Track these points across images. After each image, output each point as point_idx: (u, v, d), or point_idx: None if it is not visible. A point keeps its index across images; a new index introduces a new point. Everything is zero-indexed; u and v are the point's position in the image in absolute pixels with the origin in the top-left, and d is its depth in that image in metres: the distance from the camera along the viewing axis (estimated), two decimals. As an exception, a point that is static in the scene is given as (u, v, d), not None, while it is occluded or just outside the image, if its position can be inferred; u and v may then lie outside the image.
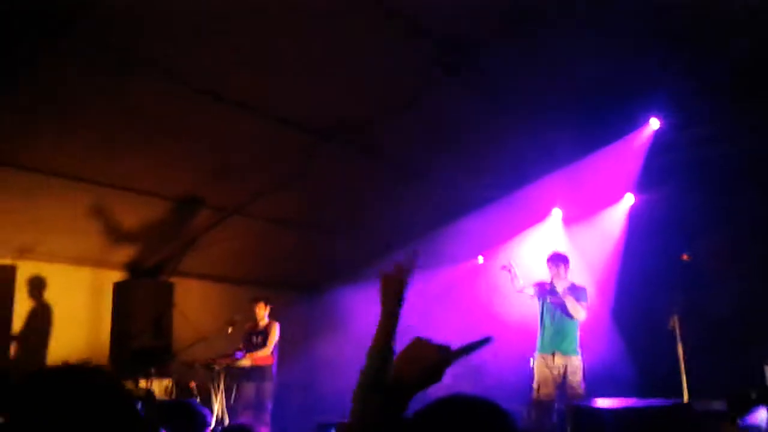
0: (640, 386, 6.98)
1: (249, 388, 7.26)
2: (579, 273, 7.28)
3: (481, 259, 9.13)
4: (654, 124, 7.39)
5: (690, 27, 6.10)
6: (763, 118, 7.11)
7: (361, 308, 8.42)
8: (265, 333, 7.42)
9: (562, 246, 8.43)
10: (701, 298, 6.78)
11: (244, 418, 7.16)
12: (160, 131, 6.14)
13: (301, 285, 9.53)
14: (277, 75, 5.77)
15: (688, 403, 4.59)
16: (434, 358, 1.40)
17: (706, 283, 7.06)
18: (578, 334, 6.33)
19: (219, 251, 8.31)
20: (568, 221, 8.72)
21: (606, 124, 7.39)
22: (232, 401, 7.17)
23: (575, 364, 6.15)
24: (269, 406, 7.29)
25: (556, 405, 6.11)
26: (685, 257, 6.34)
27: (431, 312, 8.38)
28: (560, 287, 6.34)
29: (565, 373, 6.10)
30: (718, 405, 6.04)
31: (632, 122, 7.43)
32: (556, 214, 8.73)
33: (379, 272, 1.78)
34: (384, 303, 1.72)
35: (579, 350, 6.27)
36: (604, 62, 6.57)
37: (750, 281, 7.23)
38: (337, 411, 6.19)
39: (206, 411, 3.03)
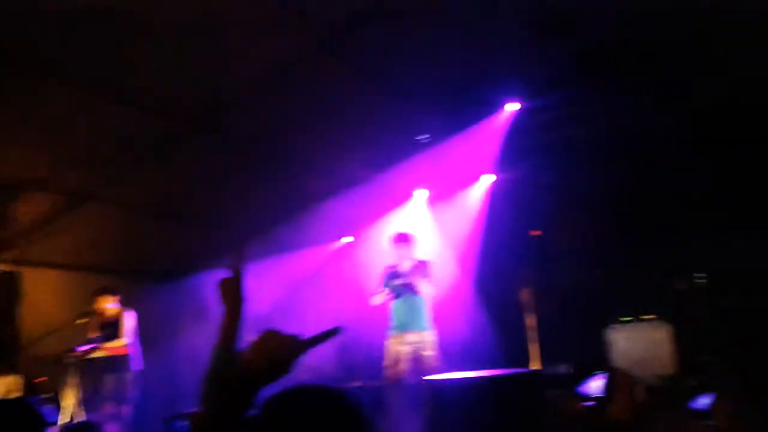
0: (498, 358, 7.35)
1: (108, 380, 6.97)
2: (443, 251, 7.54)
3: (347, 240, 9.21)
4: (512, 107, 7.69)
5: (541, 19, 6.44)
6: (607, 103, 7.62)
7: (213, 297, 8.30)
8: (116, 323, 7.12)
9: (427, 225, 8.72)
10: (550, 271, 7.21)
11: (105, 412, 6.88)
12: (7, 114, 5.72)
13: (161, 273, 9.20)
14: (134, 58, 5.51)
15: (536, 371, 4.89)
16: (283, 349, 1.37)
17: (553, 257, 7.51)
18: (428, 309, 6.50)
19: (72, 239, 7.86)
20: (432, 201, 8.96)
21: (467, 107, 7.66)
22: (88, 395, 6.83)
23: (427, 340, 6.30)
24: (131, 397, 7.02)
25: (411, 381, 6.23)
26: (534, 233, 6.70)
27: (298, 295, 8.40)
28: (405, 266, 6.46)
29: (419, 349, 6.25)
30: (564, 369, 6.48)
31: (492, 105, 7.72)
32: (420, 194, 8.94)
33: (218, 279, 1.79)
34: (224, 303, 1.73)
35: (431, 325, 6.45)
36: (466, 48, 6.80)
37: (593, 255, 7.78)
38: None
39: (47, 409, 2.82)
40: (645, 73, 7.22)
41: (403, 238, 6.66)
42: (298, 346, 1.38)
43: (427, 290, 6.39)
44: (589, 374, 4.60)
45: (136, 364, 7.14)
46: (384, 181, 8.37)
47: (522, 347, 6.53)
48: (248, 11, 5.30)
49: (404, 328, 6.37)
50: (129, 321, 7.16)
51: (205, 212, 8.58)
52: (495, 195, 8.57)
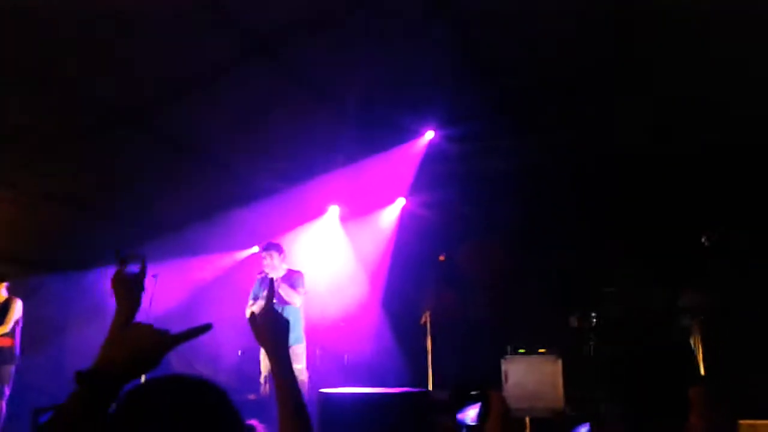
0: (399, 378, 7.43)
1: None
2: (353, 269, 7.55)
3: (257, 249, 9.11)
4: (429, 135, 7.89)
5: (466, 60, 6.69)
6: (523, 138, 7.94)
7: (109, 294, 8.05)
8: (3, 311, 6.75)
9: (339, 242, 8.75)
10: (452, 296, 7.37)
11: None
12: None
13: (58, 264, 8.81)
14: (60, 49, 5.33)
15: (425, 392, 4.97)
16: (149, 342, 1.34)
17: (457, 283, 7.68)
18: (302, 321, 6.33)
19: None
20: (345, 218, 9.01)
21: (387, 129, 7.80)
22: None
23: (297, 353, 6.11)
24: (6, 391, 6.64)
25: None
26: (441, 258, 6.83)
27: (201, 298, 8.23)
28: (273, 276, 6.23)
29: None
30: (445, 393, 6.60)
31: (410, 131, 7.88)
32: (333, 210, 8.97)
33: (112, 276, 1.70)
34: (117, 300, 1.64)
35: (302, 338, 6.29)
36: (394, 71, 6.95)
37: (497, 285, 8.01)
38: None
39: None
40: (560, 115, 7.60)
41: (271, 247, 6.48)
42: (165, 340, 1.35)
43: (295, 301, 6.17)
44: (466, 400, 4.64)
45: (17, 355, 6.77)
46: (299, 194, 8.37)
47: (421, 369, 6.61)
48: (181, 12, 5.26)
49: None
50: (17, 310, 6.79)
51: (114, 206, 8.31)
52: (406, 218, 8.71)
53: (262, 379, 6.13)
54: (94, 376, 1.27)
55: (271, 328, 1.68)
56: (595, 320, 8.03)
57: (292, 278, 6.29)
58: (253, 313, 1.77)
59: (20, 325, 6.85)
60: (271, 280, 1.65)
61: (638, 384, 2.27)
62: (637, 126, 7.46)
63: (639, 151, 7.76)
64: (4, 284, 6.92)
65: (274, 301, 5.90)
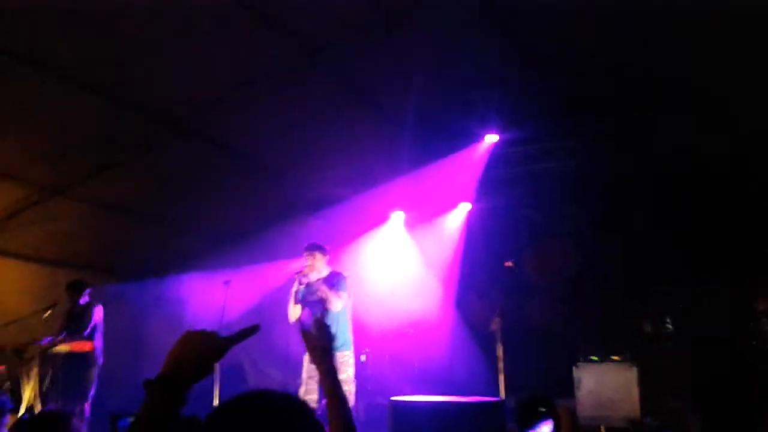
0: (469, 384, 7.36)
1: (69, 375, 6.78)
2: (421, 274, 7.45)
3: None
4: (491, 138, 7.80)
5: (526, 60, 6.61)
6: (583, 142, 7.77)
7: (192, 299, 8.25)
8: (84, 316, 6.97)
9: (405, 248, 8.74)
10: (521, 303, 7.25)
11: (63, 406, 6.70)
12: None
13: (130, 272, 9.07)
14: (118, 57, 5.49)
15: (499, 402, 4.88)
16: (206, 345, 1.40)
17: (525, 289, 7.56)
18: (347, 326, 5.85)
19: (41, 231, 7.74)
20: (409, 224, 8.99)
21: (448, 135, 7.77)
22: (45, 388, 6.65)
23: (342, 360, 5.63)
24: (91, 393, 6.85)
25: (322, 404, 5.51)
26: (508, 264, 6.70)
27: (273, 303, 8.32)
28: (314, 278, 5.87)
29: None
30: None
31: (472, 136, 7.82)
32: (398, 216, 8.96)
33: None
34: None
35: (349, 344, 5.81)
36: (451, 77, 6.93)
37: (565, 291, 7.84)
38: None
39: (4, 398, 2.75)
40: (622, 118, 7.42)
41: (315, 247, 6.03)
42: (219, 344, 1.41)
43: (336, 306, 5.72)
44: (535, 417, 4.42)
45: (99, 360, 6.99)
46: (362, 200, 8.41)
47: (492, 376, 6.50)
48: (240, 16, 5.34)
49: None
50: (96, 316, 7.01)
51: (183, 216, 8.52)
52: (472, 223, 8.63)
53: (302, 389, 5.71)
54: (160, 381, 1.34)
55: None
56: (670, 325, 7.79)
57: (333, 280, 5.90)
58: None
59: (101, 330, 7.05)
60: (256, 327, 1.55)
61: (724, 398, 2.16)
62: (706, 136, 7.24)
63: (711, 159, 7.51)
64: (85, 292, 7.13)
65: (312, 299, 5.55)
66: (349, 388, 5.54)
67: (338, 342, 5.58)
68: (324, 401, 5.33)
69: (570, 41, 6.52)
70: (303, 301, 5.90)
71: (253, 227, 8.55)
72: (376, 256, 8.72)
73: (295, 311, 5.88)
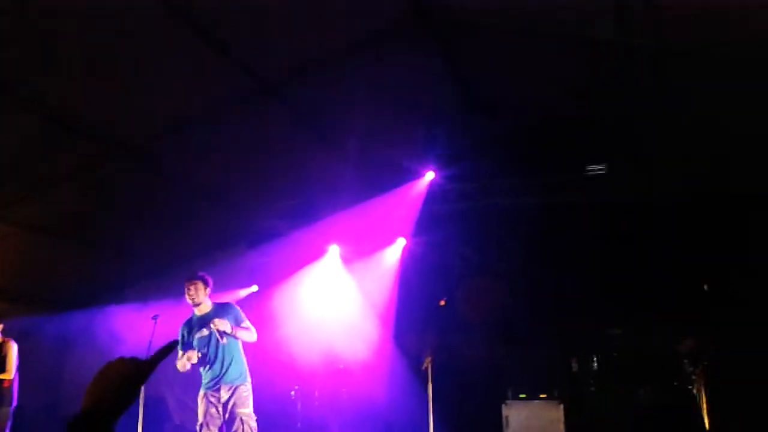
0: (397, 422, 7.36)
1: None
2: (355, 311, 7.44)
3: (255, 288, 9.06)
4: (429, 175, 7.94)
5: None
6: (523, 177, 7.99)
7: (119, 330, 8.01)
8: (1, 353, 6.67)
9: (340, 283, 8.72)
10: (453, 341, 7.32)
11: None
12: None
13: (56, 301, 8.73)
14: (69, 78, 5.39)
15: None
16: (127, 373, 1.33)
17: (458, 327, 7.64)
18: (243, 358, 5.50)
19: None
20: (346, 259, 8.99)
21: (388, 170, 7.87)
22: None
23: (244, 395, 5.34)
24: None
25: None
26: (442, 303, 6.77)
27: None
28: (200, 310, 5.44)
29: (233, 406, 5.29)
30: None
31: (411, 172, 7.94)
32: (334, 250, 8.96)
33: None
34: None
35: (246, 376, 5.46)
36: (395, 114, 7.06)
37: (495, 329, 7.97)
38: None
39: None
40: (560, 154, 7.68)
41: (199, 277, 5.50)
42: (139, 368, 1.34)
43: (251, 337, 5.45)
44: None
45: (14, 400, 6.66)
46: (300, 233, 8.39)
47: (423, 414, 6.51)
48: (188, 51, 5.33)
49: (216, 382, 5.33)
50: (15, 354, 6.70)
51: (114, 242, 8.29)
52: (408, 259, 8.70)
53: (197, 427, 5.32)
54: (81, 420, 1.27)
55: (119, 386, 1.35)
56: (596, 364, 8.00)
57: (231, 313, 5.47)
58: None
59: (16, 368, 6.75)
60: (174, 342, 1.42)
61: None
62: (641, 169, 7.55)
63: (636, 197, 7.82)
64: (0, 325, 6.82)
65: (200, 336, 5.18)
66: (253, 423, 5.32)
67: (236, 374, 5.36)
68: None
69: (512, 85, 6.78)
70: (189, 343, 5.41)
71: (186, 258, 8.39)
72: (312, 291, 8.68)
73: (191, 358, 5.26)
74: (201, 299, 5.41)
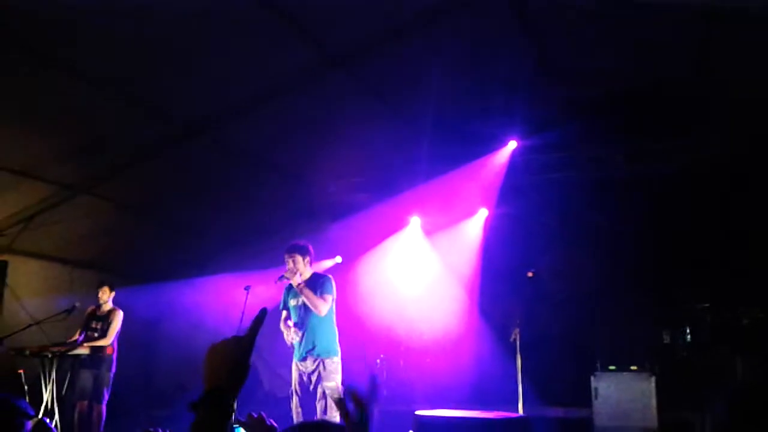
0: (487, 395, 7.35)
1: (86, 377, 6.80)
2: (439, 282, 7.38)
3: (339, 259, 9.17)
4: (512, 145, 7.78)
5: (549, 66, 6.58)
6: (605, 149, 7.73)
7: (207, 302, 8.25)
8: (106, 320, 6.99)
9: (423, 253, 8.71)
10: (540, 312, 7.23)
11: (79, 409, 6.75)
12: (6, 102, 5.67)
13: (144, 275, 9.06)
14: (141, 61, 5.51)
15: (526, 418, 4.82)
16: (230, 350, 1.39)
17: (544, 298, 7.53)
18: (333, 332, 5.56)
19: (63, 231, 7.75)
20: (428, 230, 8.97)
21: (469, 141, 7.74)
22: (64, 391, 6.68)
23: (330, 368, 5.40)
24: (106, 395, 6.88)
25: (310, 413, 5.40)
26: (530, 274, 6.68)
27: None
28: (296, 281, 5.46)
29: (317, 378, 5.39)
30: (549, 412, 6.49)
31: (492, 142, 7.79)
32: (415, 222, 8.95)
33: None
34: None
35: (336, 350, 5.51)
36: (472, 84, 6.92)
37: (583, 301, 7.82)
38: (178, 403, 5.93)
39: (23, 402, 2.71)
40: (643, 124, 7.37)
41: (297, 249, 5.58)
42: (243, 344, 1.40)
43: (320, 309, 5.40)
44: None
45: (113, 365, 7.01)
46: (382, 206, 8.40)
47: (511, 387, 6.48)
48: (258, 25, 5.34)
49: (304, 353, 5.44)
50: (119, 322, 7.04)
51: (196, 217, 8.52)
52: (491, 230, 8.60)
53: (294, 402, 5.47)
54: (208, 399, 1.34)
55: (230, 366, 1.41)
56: (689, 335, 7.76)
57: (317, 283, 5.53)
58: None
59: (116, 337, 7.09)
60: (263, 311, 1.44)
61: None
62: (724, 139, 7.19)
63: (726, 166, 7.45)
64: (112, 293, 7.14)
65: (293, 304, 5.28)
66: (338, 397, 5.32)
67: (324, 347, 5.42)
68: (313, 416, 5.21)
69: (592, 51, 6.52)
70: (285, 306, 5.65)
71: (272, 229, 8.56)
72: (395, 262, 8.72)
73: (291, 335, 5.48)
74: (300, 269, 5.49)
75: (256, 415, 1.81)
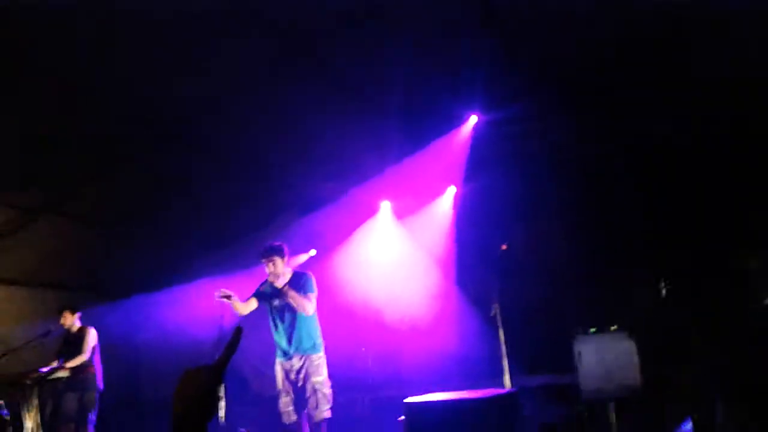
0: (469, 371, 7.41)
1: (70, 400, 6.71)
2: (415, 264, 7.42)
3: (313, 252, 9.14)
4: (473, 119, 7.78)
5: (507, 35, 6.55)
6: (571, 117, 7.77)
7: (185, 310, 8.17)
8: (78, 339, 6.89)
9: (397, 238, 8.71)
10: (516, 284, 7.26)
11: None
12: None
13: (121, 289, 8.93)
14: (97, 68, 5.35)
15: (515, 392, 4.88)
16: (204, 380, 1.38)
17: (519, 270, 7.58)
18: (317, 328, 5.63)
19: (28, 253, 7.59)
20: (399, 214, 8.96)
21: (430, 121, 7.72)
22: (47, 417, 6.57)
23: (316, 363, 5.46)
24: (92, 418, 6.80)
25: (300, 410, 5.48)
26: (503, 247, 6.71)
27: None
28: (280, 283, 5.49)
29: (305, 374, 5.44)
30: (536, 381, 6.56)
31: (454, 118, 7.78)
32: (386, 207, 8.93)
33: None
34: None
35: (320, 346, 5.60)
36: (429, 62, 6.86)
37: (556, 270, 7.91)
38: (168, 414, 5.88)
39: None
40: (603, 91, 7.42)
41: (274, 251, 5.58)
42: (214, 374, 1.39)
43: (307, 310, 5.44)
44: None
45: (99, 385, 6.92)
46: (350, 194, 8.36)
47: (496, 361, 6.54)
48: (218, 14, 5.22)
49: (290, 352, 5.48)
50: (91, 339, 6.94)
51: (164, 226, 8.39)
52: (461, 207, 8.62)
53: (278, 395, 5.55)
54: (177, 425, 1.33)
55: (201, 394, 1.37)
56: (664, 291, 7.88)
57: (299, 282, 5.55)
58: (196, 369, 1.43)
59: (98, 352, 6.99)
60: (238, 331, 1.41)
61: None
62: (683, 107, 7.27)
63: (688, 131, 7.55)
64: (75, 315, 7.05)
65: (276, 305, 5.31)
66: (327, 390, 5.45)
67: (310, 344, 5.49)
68: (303, 412, 5.27)
69: (557, 18, 6.51)
70: (269, 307, 5.66)
71: (245, 229, 8.48)
72: (370, 250, 8.71)
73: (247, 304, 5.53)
74: (280, 271, 5.53)
75: None
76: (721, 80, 6.65)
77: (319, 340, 5.61)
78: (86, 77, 5.50)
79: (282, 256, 5.59)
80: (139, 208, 7.79)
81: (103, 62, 5.35)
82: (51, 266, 8.04)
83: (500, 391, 4.94)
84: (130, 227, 8.16)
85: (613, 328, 7.38)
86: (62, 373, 6.63)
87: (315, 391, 5.39)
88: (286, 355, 5.50)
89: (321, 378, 5.45)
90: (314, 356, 5.48)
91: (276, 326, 5.60)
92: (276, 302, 5.58)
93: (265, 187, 8.32)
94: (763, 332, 6.67)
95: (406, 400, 4.28)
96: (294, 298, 5.39)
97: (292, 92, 6.63)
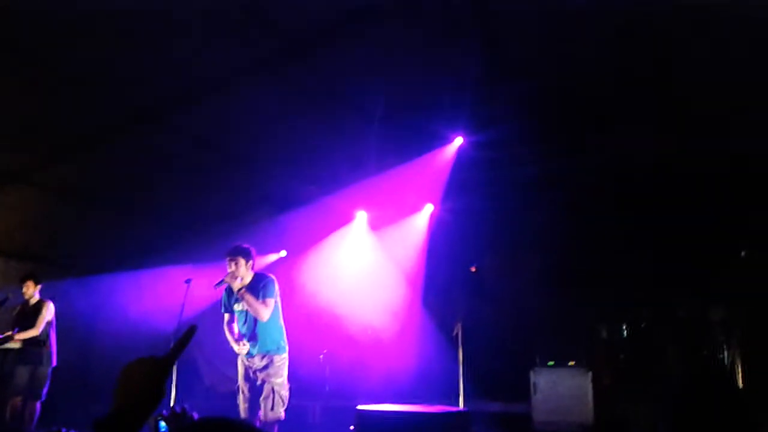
0: (424, 388, 7.40)
1: (21, 373, 6.55)
2: (384, 276, 7.41)
3: (284, 253, 9.10)
4: (458, 141, 7.83)
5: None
6: (552, 144, 7.85)
7: (147, 296, 8.07)
8: (35, 312, 6.74)
9: (369, 248, 8.71)
10: (482, 308, 7.31)
11: (12, 406, 6.50)
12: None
13: (86, 266, 8.80)
14: (86, 47, 5.31)
15: (467, 412, 4.88)
16: (146, 371, 1.33)
17: (487, 294, 7.63)
18: (280, 329, 5.52)
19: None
20: (374, 225, 8.97)
21: (416, 136, 7.75)
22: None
23: (278, 364, 5.38)
24: (43, 393, 6.64)
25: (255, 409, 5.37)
26: (473, 269, 6.75)
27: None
28: (236, 285, 5.33)
29: (265, 374, 5.37)
30: (489, 406, 6.58)
31: (438, 138, 7.82)
32: (362, 216, 8.93)
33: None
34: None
35: (283, 347, 5.49)
36: (417, 80, 6.92)
37: (524, 297, 7.95)
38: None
39: None
40: (588, 122, 7.51)
41: (240, 252, 5.45)
42: (160, 367, 1.34)
43: (262, 316, 5.31)
44: None
45: (53, 361, 6.77)
46: (328, 199, 8.35)
47: (452, 381, 6.55)
48: (213, 12, 5.23)
49: (251, 352, 5.39)
50: (48, 313, 6.79)
51: (138, 206, 8.31)
52: (436, 226, 8.65)
53: (241, 398, 5.45)
54: (114, 420, 1.28)
55: (144, 387, 1.33)
56: (626, 332, 7.97)
57: (258, 286, 5.40)
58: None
59: (54, 329, 6.85)
60: (192, 329, 1.37)
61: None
62: (668, 137, 7.39)
63: (670, 163, 7.66)
64: (38, 286, 6.89)
65: (239, 309, 5.21)
66: (285, 393, 5.38)
67: (274, 346, 5.41)
68: (260, 412, 5.23)
69: (544, 47, 6.59)
70: (229, 310, 5.56)
71: (221, 217, 8.42)
72: (340, 257, 8.70)
73: (242, 347, 5.40)
74: (242, 273, 5.37)
75: (179, 410, 1.76)
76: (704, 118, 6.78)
77: (283, 342, 5.53)
78: (66, 57, 5.45)
79: (247, 260, 5.45)
80: (112, 186, 7.70)
81: (85, 45, 5.31)
82: (18, 236, 7.89)
83: (450, 408, 4.94)
84: (103, 205, 8.06)
85: (571, 363, 7.45)
86: (13, 344, 6.49)
87: (273, 392, 5.34)
88: (249, 354, 5.45)
89: (280, 380, 5.38)
90: (277, 357, 5.41)
91: (239, 327, 5.52)
92: (238, 306, 5.50)
93: (244, 180, 8.28)
94: (714, 381, 6.75)
95: (358, 407, 4.25)
96: (250, 303, 5.27)
97: (279, 93, 6.63)
